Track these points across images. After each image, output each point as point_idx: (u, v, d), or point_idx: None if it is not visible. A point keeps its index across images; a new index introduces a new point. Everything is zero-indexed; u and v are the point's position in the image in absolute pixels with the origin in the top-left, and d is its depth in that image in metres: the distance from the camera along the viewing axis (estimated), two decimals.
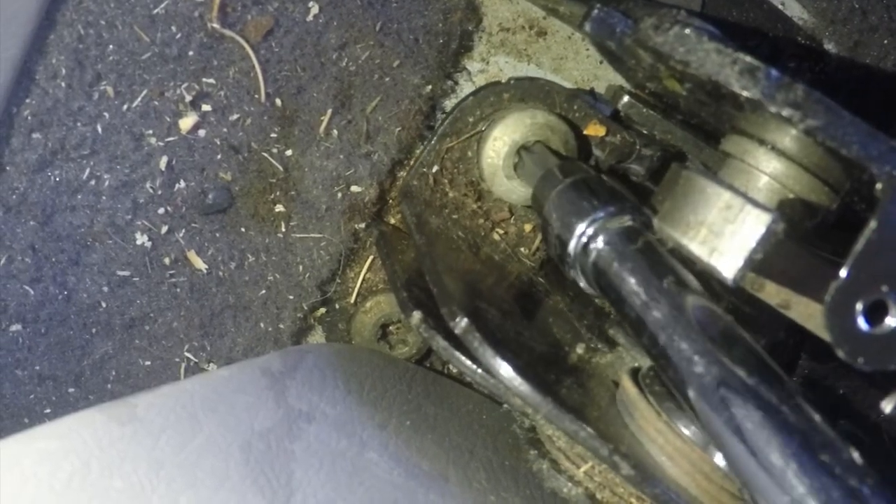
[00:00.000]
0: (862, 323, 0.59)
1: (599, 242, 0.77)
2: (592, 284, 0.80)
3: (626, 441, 0.77)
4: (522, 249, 1.05)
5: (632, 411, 0.80)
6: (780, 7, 1.07)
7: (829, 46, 1.08)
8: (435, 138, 1.01)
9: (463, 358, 0.77)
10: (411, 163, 1.04)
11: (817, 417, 0.56)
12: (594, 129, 1.01)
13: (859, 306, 0.58)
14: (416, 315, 0.80)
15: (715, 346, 0.61)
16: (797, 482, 0.52)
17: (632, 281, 0.72)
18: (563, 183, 0.87)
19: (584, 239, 0.79)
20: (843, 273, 0.57)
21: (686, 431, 0.76)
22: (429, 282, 0.83)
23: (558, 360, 0.87)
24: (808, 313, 0.66)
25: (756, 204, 0.60)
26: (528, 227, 1.05)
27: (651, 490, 0.73)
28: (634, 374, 0.84)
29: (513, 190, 1.00)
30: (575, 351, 0.89)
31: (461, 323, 0.75)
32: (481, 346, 0.74)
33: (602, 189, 0.84)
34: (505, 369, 0.73)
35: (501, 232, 1.05)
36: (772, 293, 0.67)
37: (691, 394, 0.61)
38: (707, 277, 0.66)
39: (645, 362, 0.87)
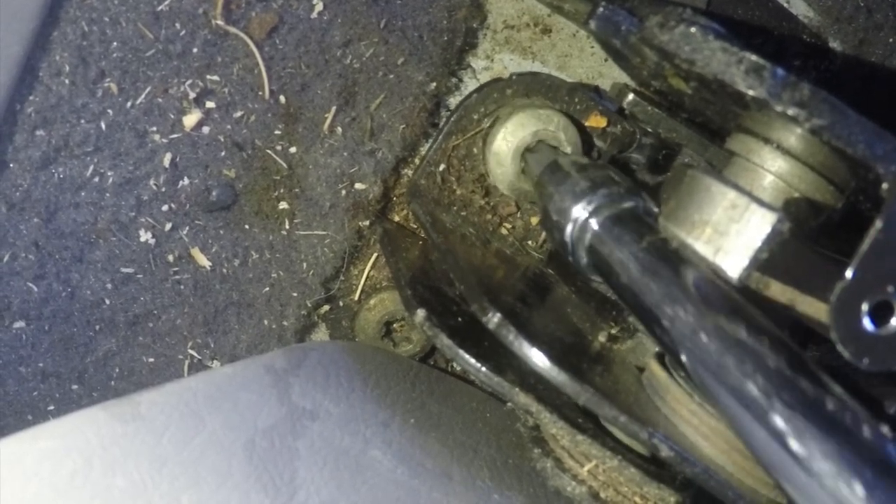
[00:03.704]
0: (867, 323, 0.58)
1: (595, 225, 0.78)
2: (591, 269, 0.80)
3: (660, 424, 0.77)
4: (530, 242, 1.06)
5: (663, 394, 0.81)
6: (785, 5, 1.07)
7: (835, 44, 1.08)
8: (441, 137, 1.01)
9: (467, 356, 0.77)
10: (418, 162, 1.04)
11: (835, 387, 0.55)
12: (595, 121, 1.01)
13: (865, 307, 0.58)
14: (421, 313, 0.80)
15: (715, 316, 0.61)
16: (819, 458, 0.51)
17: (625, 258, 0.72)
18: (560, 171, 0.88)
19: (580, 223, 0.79)
20: (848, 273, 0.57)
21: None
22: (454, 279, 0.83)
23: (584, 349, 0.87)
24: (813, 312, 0.66)
25: (761, 203, 0.60)
26: (534, 221, 1.06)
27: (691, 470, 0.73)
28: (661, 357, 0.85)
29: (520, 186, 1.01)
30: (597, 339, 0.89)
31: (494, 318, 0.75)
32: (517, 339, 0.74)
33: (598, 175, 0.84)
34: (542, 360, 0.74)
35: (509, 226, 1.06)
36: (777, 292, 0.67)
37: (685, 359, 0.61)
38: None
39: None
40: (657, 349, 0.88)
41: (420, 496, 0.76)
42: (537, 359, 0.74)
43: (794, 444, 0.52)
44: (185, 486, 0.64)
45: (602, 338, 0.90)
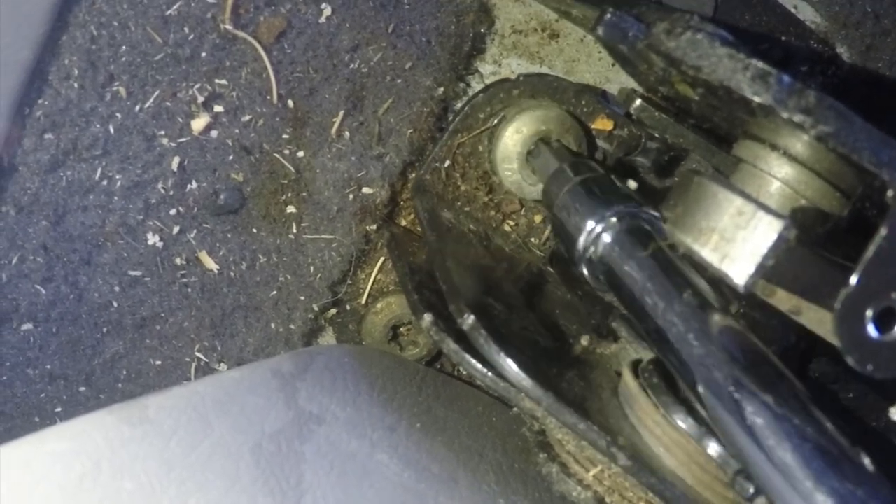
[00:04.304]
0: (871, 330, 0.59)
1: (608, 239, 0.79)
2: (601, 281, 0.82)
3: (625, 432, 0.78)
4: (533, 240, 1.07)
5: (631, 403, 0.82)
6: (792, 11, 1.07)
7: (842, 50, 1.08)
8: (447, 134, 1.02)
9: (474, 361, 0.77)
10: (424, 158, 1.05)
11: (827, 423, 0.56)
12: (602, 124, 1.02)
13: (869, 313, 0.58)
14: (427, 317, 0.80)
15: (729, 358, 0.62)
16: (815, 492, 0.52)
17: (639, 279, 0.74)
18: (572, 181, 0.89)
19: (593, 237, 0.81)
20: (853, 280, 0.57)
21: (682, 424, 0.78)
22: (438, 278, 0.83)
23: (562, 353, 0.88)
24: (818, 319, 0.66)
25: (768, 210, 0.60)
26: (538, 218, 1.06)
27: (647, 480, 0.74)
28: (635, 366, 0.85)
29: (525, 185, 1.01)
30: (580, 343, 0.90)
31: (468, 320, 0.76)
32: (486, 342, 0.76)
33: (611, 189, 0.85)
34: (509, 365, 0.75)
35: (512, 223, 1.06)
36: (783, 299, 0.67)
37: (701, 390, 0.62)
38: (718, 283, 0.66)
39: (646, 355, 0.88)
40: (635, 356, 0.89)
41: (426, 500, 0.76)
42: (504, 364, 0.75)
43: (799, 479, 0.52)
44: (193, 490, 0.64)
45: (584, 341, 0.90)
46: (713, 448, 0.75)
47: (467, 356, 0.78)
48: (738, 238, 0.61)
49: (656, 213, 0.83)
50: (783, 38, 1.07)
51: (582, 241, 0.82)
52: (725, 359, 0.63)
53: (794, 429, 0.58)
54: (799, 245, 0.61)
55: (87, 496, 0.60)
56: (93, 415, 0.66)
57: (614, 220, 0.82)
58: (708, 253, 0.63)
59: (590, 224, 0.81)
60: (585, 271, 0.84)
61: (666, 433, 0.78)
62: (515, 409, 0.84)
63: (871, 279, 0.57)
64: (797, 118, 0.61)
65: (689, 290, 0.71)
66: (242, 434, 0.71)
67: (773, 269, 0.60)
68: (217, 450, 0.68)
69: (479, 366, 0.77)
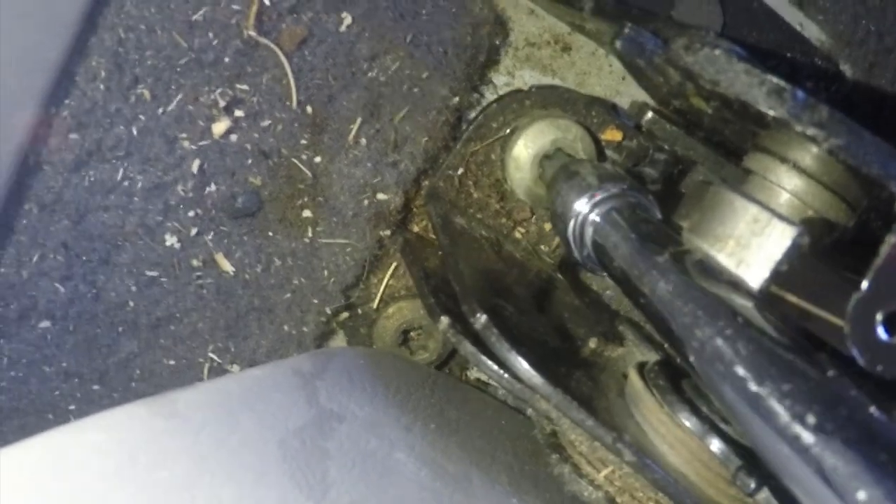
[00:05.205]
0: (881, 333, 0.61)
1: (596, 218, 0.82)
2: (594, 264, 0.84)
3: (630, 430, 0.80)
4: (542, 247, 1.09)
5: (637, 403, 0.84)
6: (797, 28, 1.09)
7: (845, 68, 1.10)
8: (460, 143, 1.04)
9: (490, 362, 0.79)
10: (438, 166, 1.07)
11: (845, 380, 0.58)
12: (611, 135, 1.04)
13: (879, 317, 0.61)
14: (444, 320, 0.82)
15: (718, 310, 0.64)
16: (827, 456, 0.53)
17: (628, 251, 0.76)
18: (570, 171, 0.91)
19: (582, 217, 0.84)
20: (864, 285, 0.60)
21: (686, 422, 0.80)
22: (451, 280, 0.85)
23: (570, 354, 0.90)
24: (827, 325, 0.68)
25: (782, 218, 0.62)
26: (548, 227, 1.08)
27: (651, 475, 0.76)
28: (641, 367, 0.87)
29: (536, 194, 1.04)
30: (587, 345, 0.92)
31: (481, 319, 0.78)
32: (498, 341, 0.77)
33: (602, 172, 0.88)
34: (520, 363, 0.77)
35: (523, 230, 1.08)
36: (793, 304, 0.69)
37: (692, 359, 0.63)
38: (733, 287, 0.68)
39: (652, 357, 0.90)
40: (641, 359, 0.91)
41: (442, 498, 0.77)
42: (516, 361, 0.77)
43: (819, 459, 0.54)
44: (224, 482, 0.65)
45: (592, 344, 0.92)
46: (716, 445, 0.77)
47: (484, 357, 0.79)
48: (753, 244, 0.63)
49: (651, 199, 0.85)
50: (788, 56, 1.09)
51: (572, 224, 0.86)
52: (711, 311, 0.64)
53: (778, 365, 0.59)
54: (809, 253, 0.63)
55: (126, 485, 0.61)
56: (126, 407, 0.67)
57: (603, 199, 0.85)
58: (724, 258, 0.65)
59: (578, 205, 0.85)
60: (582, 258, 0.87)
61: (670, 431, 0.80)
62: (529, 411, 0.86)
63: (881, 284, 0.60)
64: (810, 132, 0.64)
65: (671, 247, 0.73)
66: (268, 429, 0.72)
67: (786, 275, 0.62)
68: (245, 444, 0.69)
69: (495, 367, 0.79)
